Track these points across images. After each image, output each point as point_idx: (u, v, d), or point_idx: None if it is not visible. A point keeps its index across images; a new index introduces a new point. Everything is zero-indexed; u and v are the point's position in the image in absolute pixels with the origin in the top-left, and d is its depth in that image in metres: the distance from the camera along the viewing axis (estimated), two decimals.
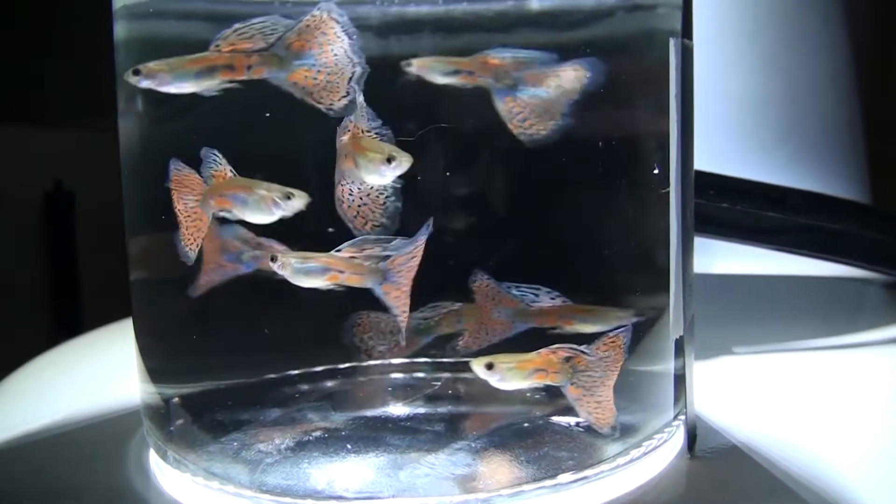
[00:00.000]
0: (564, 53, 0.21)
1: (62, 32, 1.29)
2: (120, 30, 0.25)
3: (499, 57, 0.21)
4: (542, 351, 0.22)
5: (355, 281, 0.21)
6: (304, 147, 0.23)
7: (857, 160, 0.51)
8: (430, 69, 0.21)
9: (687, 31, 0.22)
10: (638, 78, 0.22)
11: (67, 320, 1.16)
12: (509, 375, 0.21)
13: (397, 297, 0.21)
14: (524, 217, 0.23)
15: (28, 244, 1.17)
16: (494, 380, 0.21)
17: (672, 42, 0.21)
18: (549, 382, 0.22)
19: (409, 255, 0.21)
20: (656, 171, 0.22)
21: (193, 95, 0.21)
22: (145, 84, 0.21)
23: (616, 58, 0.22)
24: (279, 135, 0.23)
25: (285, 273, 0.21)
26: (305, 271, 0.21)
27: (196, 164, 0.22)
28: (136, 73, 0.21)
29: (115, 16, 0.25)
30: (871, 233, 0.37)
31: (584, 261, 0.23)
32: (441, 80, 0.21)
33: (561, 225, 0.23)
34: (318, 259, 0.21)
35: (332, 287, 0.21)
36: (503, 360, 0.22)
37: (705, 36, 0.46)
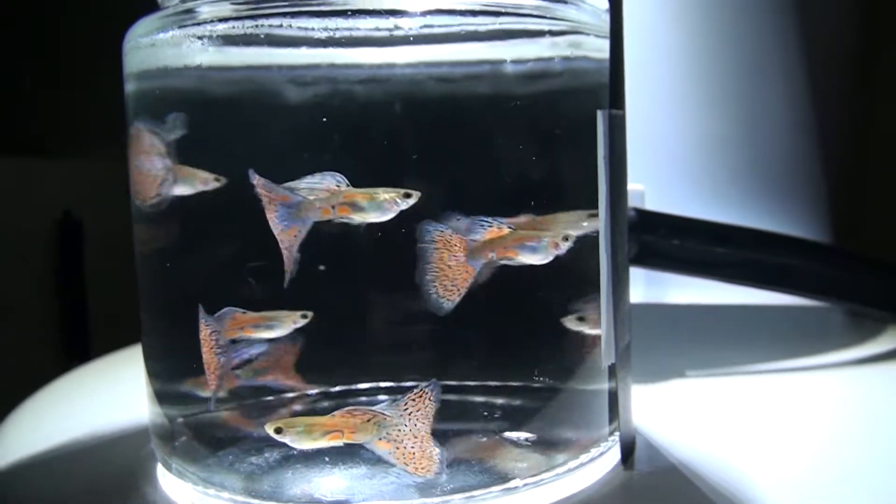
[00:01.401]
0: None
1: (69, 63, 1.32)
2: (131, 86, 0.28)
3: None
4: (337, 413, 0.23)
5: (355, 439, 0.23)
6: None
7: (817, 197, 0.53)
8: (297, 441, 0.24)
9: (616, 101, 0.26)
10: (570, 140, 0.26)
11: (76, 345, 1.18)
12: (298, 438, 0.23)
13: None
14: None
15: (38, 271, 1.19)
16: (287, 440, 0.23)
17: (599, 114, 0.25)
18: (348, 441, 0.23)
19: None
20: (585, 224, 0.26)
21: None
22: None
23: (549, 118, 0.26)
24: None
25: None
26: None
27: None
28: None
29: (126, 78, 0.29)
30: (812, 265, 0.41)
31: (517, 304, 0.26)
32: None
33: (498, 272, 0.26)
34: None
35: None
36: (292, 425, 0.23)
37: (661, 77, 0.49)
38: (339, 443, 0.23)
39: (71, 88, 1.31)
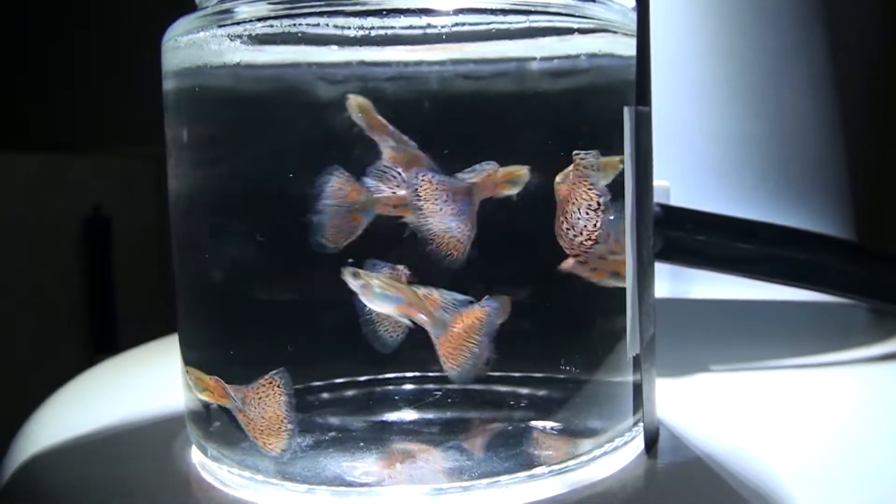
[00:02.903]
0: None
1: (100, 61, 1.34)
2: (169, 83, 0.29)
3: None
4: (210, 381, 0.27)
5: (421, 321, 0.25)
6: None
7: (842, 196, 0.53)
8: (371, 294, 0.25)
9: (642, 98, 0.26)
10: (597, 137, 0.27)
11: (104, 339, 1.20)
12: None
13: (449, 350, 0.25)
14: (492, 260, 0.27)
15: (67, 267, 1.21)
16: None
17: (626, 110, 0.26)
18: (222, 404, 0.26)
19: (470, 314, 0.25)
20: (612, 218, 0.26)
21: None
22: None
23: (576, 116, 0.27)
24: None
25: (363, 292, 0.25)
26: (383, 297, 0.25)
27: None
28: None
29: (165, 76, 0.29)
30: (838, 262, 0.41)
31: (547, 294, 0.27)
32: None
33: (525, 264, 0.27)
34: (401, 290, 0.25)
35: (400, 317, 0.25)
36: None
37: (688, 75, 0.49)
38: (214, 403, 0.27)
39: (101, 86, 1.33)
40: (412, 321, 0.25)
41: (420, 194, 0.25)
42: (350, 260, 0.25)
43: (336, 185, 0.25)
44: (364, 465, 0.26)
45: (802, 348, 0.41)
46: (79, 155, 1.27)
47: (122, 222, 1.24)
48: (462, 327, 0.25)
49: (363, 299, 0.25)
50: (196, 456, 0.29)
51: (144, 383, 0.41)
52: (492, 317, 0.25)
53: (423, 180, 0.25)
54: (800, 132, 0.51)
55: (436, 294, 0.25)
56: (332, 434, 0.27)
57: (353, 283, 0.25)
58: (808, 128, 0.52)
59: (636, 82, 0.26)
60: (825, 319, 0.48)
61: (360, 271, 0.25)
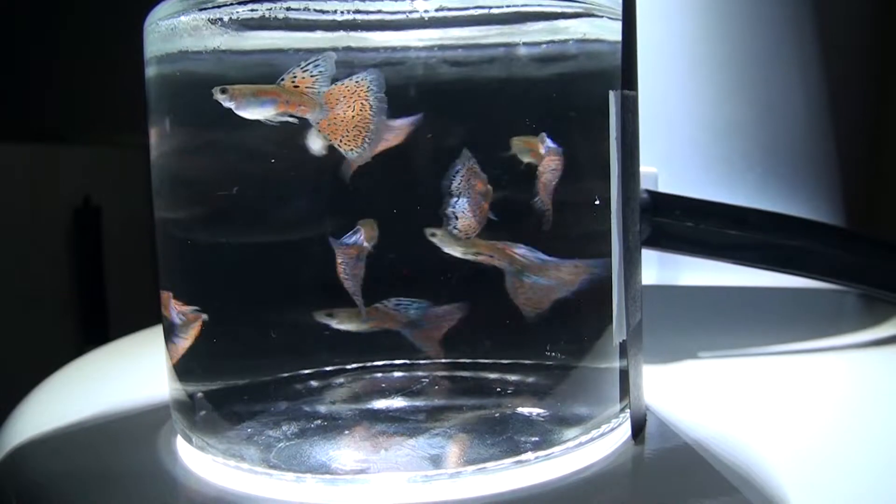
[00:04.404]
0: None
1: (91, 51, 1.33)
2: (151, 71, 0.28)
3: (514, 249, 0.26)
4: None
5: (302, 112, 0.24)
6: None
7: (830, 182, 0.53)
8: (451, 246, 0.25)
9: (628, 82, 0.26)
10: (583, 122, 0.27)
11: (94, 329, 1.19)
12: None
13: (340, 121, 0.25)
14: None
15: (57, 257, 1.20)
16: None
17: (612, 94, 0.25)
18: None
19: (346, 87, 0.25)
20: (597, 202, 0.26)
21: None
22: (228, 104, 0.25)
23: (563, 101, 0.26)
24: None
25: (233, 104, 0.24)
26: (257, 103, 0.24)
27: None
28: (223, 91, 0.25)
29: (147, 62, 0.29)
30: (828, 248, 0.41)
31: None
32: (459, 256, 0.25)
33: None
34: (273, 91, 0.24)
35: (282, 118, 0.25)
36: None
37: (677, 61, 0.49)
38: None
39: (91, 76, 1.32)
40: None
41: None
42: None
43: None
44: (351, 453, 0.25)
45: (792, 334, 0.41)
46: (68, 145, 1.26)
47: (112, 213, 1.23)
48: (343, 106, 0.25)
49: (238, 112, 0.25)
50: (181, 445, 0.28)
51: (132, 372, 0.41)
52: (375, 88, 0.25)
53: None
54: (789, 118, 0.51)
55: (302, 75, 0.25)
56: (319, 422, 0.27)
57: (222, 98, 0.25)
58: (797, 114, 0.52)
59: (622, 66, 0.26)
60: (815, 305, 0.48)
61: (229, 87, 0.25)
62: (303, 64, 0.25)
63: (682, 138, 0.49)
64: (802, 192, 0.51)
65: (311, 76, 0.25)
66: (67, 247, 1.21)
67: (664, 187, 0.43)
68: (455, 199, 0.25)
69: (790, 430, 0.29)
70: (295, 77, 0.25)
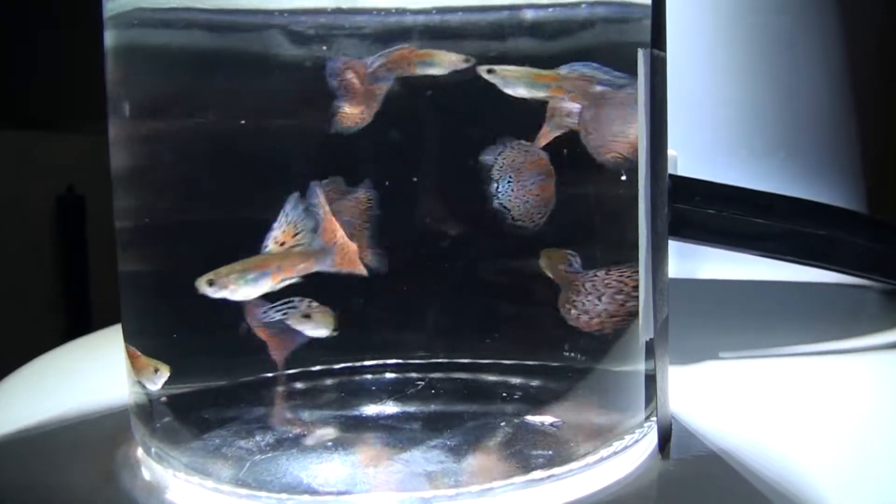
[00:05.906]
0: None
1: (72, 38, 1.31)
2: (108, 38, 0.26)
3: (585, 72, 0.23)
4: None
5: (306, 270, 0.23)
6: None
7: (853, 167, 0.52)
8: (514, 81, 0.22)
9: (658, 41, 0.23)
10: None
11: (78, 321, 1.18)
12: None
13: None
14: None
15: (41, 247, 1.20)
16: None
17: (641, 53, 0.22)
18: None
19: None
20: (624, 178, 0.23)
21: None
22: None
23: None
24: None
25: (226, 293, 0.22)
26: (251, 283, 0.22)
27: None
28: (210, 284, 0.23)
29: (105, 25, 0.26)
30: (860, 239, 0.38)
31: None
32: (523, 93, 0.22)
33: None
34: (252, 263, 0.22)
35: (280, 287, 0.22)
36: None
37: (698, 43, 0.47)
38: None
39: (75, 63, 1.30)
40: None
41: None
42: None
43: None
44: (334, 469, 0.23)
45: (815, 333, 0.39)
46: (51, 133, 1.26)
47: (95, 201, 1.23)
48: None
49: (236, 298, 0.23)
50: (140, 455, 0.25)
51: (102, 369, 0.38)
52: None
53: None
54: (811, 101, 0.50)
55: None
56: (298, 431, 0.24)
57: (210, 292, 0.23)
58: (819, 97, 0.50)
59: (651, 23, 0.23)
60: (836, 302, 0.46)
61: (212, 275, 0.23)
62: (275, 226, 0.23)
63: (701, 122, 0.47)
64: (823, 177, 0.50)
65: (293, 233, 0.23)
66: (50, 236, 1.21)
67: (684, 171, 0.40)
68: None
69: (822, 436, 0.27)
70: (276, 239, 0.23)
